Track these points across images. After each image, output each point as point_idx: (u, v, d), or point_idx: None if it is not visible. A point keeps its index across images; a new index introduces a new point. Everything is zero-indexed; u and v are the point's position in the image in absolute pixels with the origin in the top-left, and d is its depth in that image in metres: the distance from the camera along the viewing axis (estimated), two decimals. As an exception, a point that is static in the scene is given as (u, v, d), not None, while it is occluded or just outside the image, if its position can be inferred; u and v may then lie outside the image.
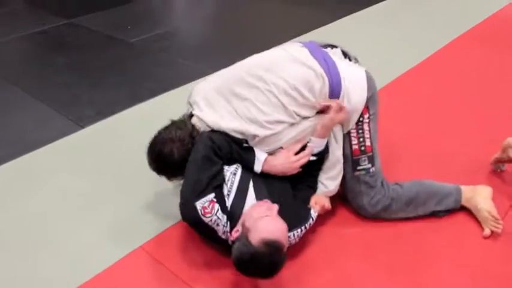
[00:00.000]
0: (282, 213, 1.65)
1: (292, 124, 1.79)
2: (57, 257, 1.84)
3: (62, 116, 2.84)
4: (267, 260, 1.52)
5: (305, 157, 1.80)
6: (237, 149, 1.76)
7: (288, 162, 1.78)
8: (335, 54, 1.94)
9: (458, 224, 1.96)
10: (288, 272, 1.68)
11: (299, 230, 1.75)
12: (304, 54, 1.85)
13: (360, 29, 4.06)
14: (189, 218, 1.67)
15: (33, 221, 2.02)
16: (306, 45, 1.91)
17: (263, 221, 1.58)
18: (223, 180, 1.70)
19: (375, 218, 1.94)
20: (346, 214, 2.02)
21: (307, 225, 1.79)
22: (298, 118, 1.79)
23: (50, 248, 1.89)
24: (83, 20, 4.47)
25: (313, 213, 1.82)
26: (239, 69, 1.86)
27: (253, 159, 1.77)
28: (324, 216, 1.94)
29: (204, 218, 1.61)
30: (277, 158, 1.79)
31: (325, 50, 1.93)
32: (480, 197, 1.94)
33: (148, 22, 4.54)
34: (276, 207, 1.66)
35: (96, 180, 2.25)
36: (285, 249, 1.59)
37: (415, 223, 1.95)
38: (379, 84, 2.02)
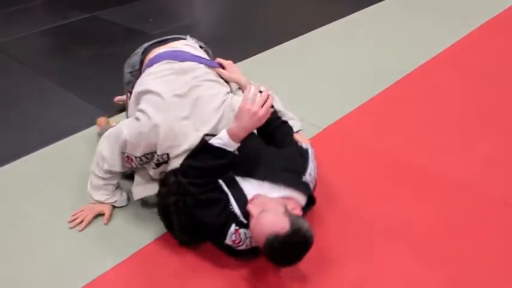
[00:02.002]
0: (284, 164, 1.72)
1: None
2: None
3: (91, 105, 2.92)
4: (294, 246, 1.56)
5: (265, 96, 1.75)
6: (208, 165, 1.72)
7: (253, 113, 1.71)
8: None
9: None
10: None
11: (311, 165, 1.78)
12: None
13: (371, 23, 4.10)
14: (232, 255, 1.73)
15: (67, 204, 2.09)
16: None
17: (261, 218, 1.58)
18: (225, 204, 1.68)
19: None
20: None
21: (312, 155, 1.81)
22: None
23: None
24: (103, 13, 4.56)
25: (306, 145, 1.85)
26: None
27: (220, 144, 1.71)
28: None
29: (240, 249, 1.67)
30: (240, 119, 1.73)
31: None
32: None
33: (168, 16, 4.61)
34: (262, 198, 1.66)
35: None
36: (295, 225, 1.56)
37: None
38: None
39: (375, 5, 4.45)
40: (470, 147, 2.40)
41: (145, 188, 1.96)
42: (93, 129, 2.63)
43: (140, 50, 2.25)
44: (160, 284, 1.72)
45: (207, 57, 2.19)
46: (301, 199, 1.74)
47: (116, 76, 3.27)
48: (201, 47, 2.28)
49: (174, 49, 2.12)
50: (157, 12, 4.65)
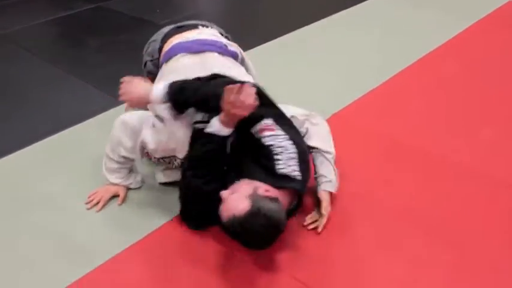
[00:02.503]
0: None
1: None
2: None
3: (101, 93, 2.97)
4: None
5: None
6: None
7: (239, 101, 1.65)
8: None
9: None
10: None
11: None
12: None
13: (374, 14, 4.13)
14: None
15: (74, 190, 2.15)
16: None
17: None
18: None
19: None
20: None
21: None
22: None
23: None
24: (109, 4, 4.58)
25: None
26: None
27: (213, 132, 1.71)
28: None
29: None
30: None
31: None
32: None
33: (174, 5, 4.65)
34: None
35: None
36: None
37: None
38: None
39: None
40: (473, 133, 2.46)
41: (171, 173, 2.02)
42: (104, 116, 2.69)
43: (159, 37, 2.26)
44: (172, 265, 1.77)
45: (225, 44, 2.16)
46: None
47: (125, 64, 3.32)
48: (221, 34, 2.31)
49: (188, 39, 2.14)
50: (163, 3, 4.68)
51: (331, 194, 1.91)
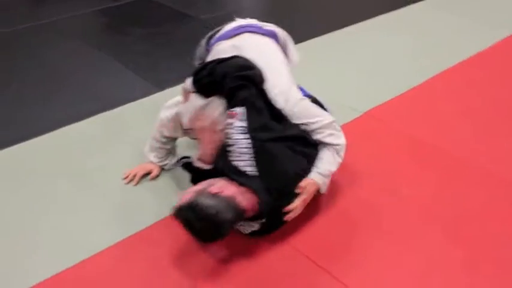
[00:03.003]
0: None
1: None
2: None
3: (143, 79, 3.12)
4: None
5: None
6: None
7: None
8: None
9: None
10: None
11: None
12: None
13: (415, 18, 4.17)
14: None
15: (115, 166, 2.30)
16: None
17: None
18: None
19: None
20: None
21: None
22: None
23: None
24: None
25: None
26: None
27: None
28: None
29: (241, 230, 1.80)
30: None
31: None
32: None
33: (216, 1, 4.79)
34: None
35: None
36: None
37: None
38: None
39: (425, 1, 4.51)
40: (498, 140, 2.49)
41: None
42: (144, 101, 2.84)
43: (203, 41, 2.26)
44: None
45: (260, 26, 2.13)
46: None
47: (167, 54, 3.50)
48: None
49: (224, 30, 2.16)
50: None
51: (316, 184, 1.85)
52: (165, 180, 2.21)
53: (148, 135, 2.20)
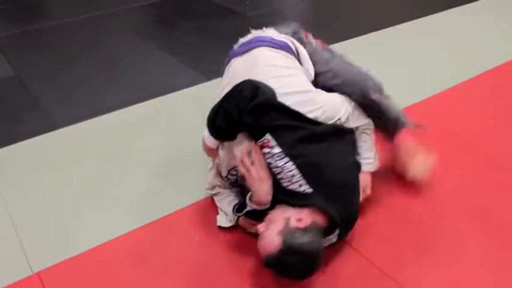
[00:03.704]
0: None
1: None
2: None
3: (191, 69, 3.33)
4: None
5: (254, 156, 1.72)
6: None
7: (252, 180, 1.71)
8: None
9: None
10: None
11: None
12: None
13: (459, 23, 4.21)
14: None
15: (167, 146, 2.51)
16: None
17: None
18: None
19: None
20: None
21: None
22: None
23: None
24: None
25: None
26: None
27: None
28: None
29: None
30: (251, 189, 1.76)
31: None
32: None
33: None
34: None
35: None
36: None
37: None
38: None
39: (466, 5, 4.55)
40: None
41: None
42: (191, 90, 3.04)
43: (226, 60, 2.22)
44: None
45: (271, 37, 2.07)
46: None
47: (215, 47, 3.69)
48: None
49: (238, 44, 2.16)
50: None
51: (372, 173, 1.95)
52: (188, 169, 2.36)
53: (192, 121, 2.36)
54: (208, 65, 3.35)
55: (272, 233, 1.57)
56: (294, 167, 1.67)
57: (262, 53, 1.98)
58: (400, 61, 3.46)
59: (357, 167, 1.89)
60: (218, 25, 4.17)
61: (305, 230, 1.57)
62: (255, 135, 1.72)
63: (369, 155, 1.94)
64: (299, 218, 1.60)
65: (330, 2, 4.91)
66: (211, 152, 1.90)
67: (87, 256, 1.84)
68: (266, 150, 1.69)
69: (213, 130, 1.80)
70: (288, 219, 1.59)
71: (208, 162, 2.09)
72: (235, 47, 2.13)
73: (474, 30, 3.99)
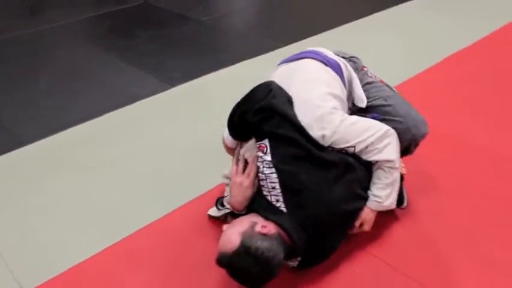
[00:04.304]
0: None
1: None
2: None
3: (153, 77, 3.35)
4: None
5: (250, 166, 1.74)
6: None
7: (239, 184, 1.73)
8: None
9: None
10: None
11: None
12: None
13: (409, 16, 4.43)
14: None
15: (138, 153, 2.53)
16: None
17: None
18: None
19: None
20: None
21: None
22: None
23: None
24: (153, 1, 4.97)
25: None
26: None
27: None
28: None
29: None
30: (231, 193, 1.78)
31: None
32: None
33: (215, 4, 5.04)
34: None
35: (194, 126, 2.75)
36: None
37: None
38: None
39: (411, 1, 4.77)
40: (498, 123, 2.71)
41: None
42: (157, 97, 3.06)
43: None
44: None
45: (325, 54, 1.97)
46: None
47: (173, 54, 3.73)
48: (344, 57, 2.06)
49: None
50: (204, 1, 5.04)
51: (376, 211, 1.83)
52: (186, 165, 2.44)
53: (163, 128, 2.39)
54: (170, 72, 3.40)
55: (233, 232, 1.57)
56: (277, 180, 1.63)
57: (307, 66, 1.90)
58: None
59: (361, 201, 1.78)
60: (174, 32, 4.20)
61: (267, 236, 1.55)
62: (256, 137, 1.72)
63: (379, 193, 1.77)
64: (265, 225, 1.59)
65: (281, 4, 5.04)
66: (230, 151, 1.93)
67: (80, 269, 1.84)
68: (260, 153, 1.67)
69: (230, 129, 1.83)
70: (254, 223, 1.59)
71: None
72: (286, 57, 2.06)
73: (421, 25, 4.20)
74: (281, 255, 1.56)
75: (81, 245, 1.95)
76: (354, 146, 1.69)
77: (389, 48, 3.76)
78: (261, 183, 1.68)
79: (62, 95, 3.15)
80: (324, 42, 3.84)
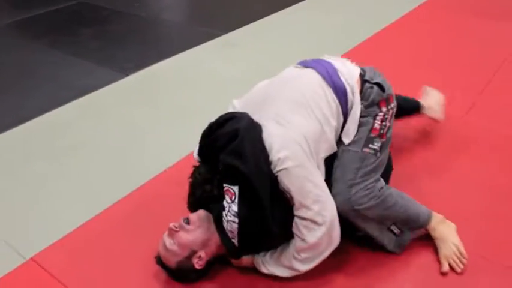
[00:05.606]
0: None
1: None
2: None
3: (106, 68, 3.45)
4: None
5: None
6: None
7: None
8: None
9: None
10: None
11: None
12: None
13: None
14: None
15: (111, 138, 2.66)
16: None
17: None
18: None
19: (340, 213, 1.66)
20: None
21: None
22: None
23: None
24: (89, 0, 5.00)
25: None
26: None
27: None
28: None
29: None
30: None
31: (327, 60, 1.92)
32: (449, 228, 1.83)
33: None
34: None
35: (154, 110, 2.90)
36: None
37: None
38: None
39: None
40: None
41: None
42: (115, 85, 3.18)
43: None
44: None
45: (335, 69, 1.86)
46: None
47: (120, 47, 3.84)
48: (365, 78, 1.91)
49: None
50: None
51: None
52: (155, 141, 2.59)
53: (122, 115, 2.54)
54: (122, 63, 3.50)
55: (170, 256, 1.65)
56: (237, 229, 1.60)
57: (305, 80, 1.82)
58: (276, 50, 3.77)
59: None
60: (116, 28, 4.30)
61: (198, 269, 1.68)
62: (224, 177, 1.64)
63: (272, 262, 1.73)
64: (203, 256, 1.66)
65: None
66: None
67: (76, 234, 1.97)
68: (226, 198, 1.60)
69: (199, 151, 1.84)
70: (193, 253, 1.66)
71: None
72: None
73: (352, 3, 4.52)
74: (191, 277, 1.72)
75: (70, 217, 2.06)
76: (292, 197, 1.61)
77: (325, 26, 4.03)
78: (224, 219, 1.63)
79: (14, 93, 3.18)
80: (261, 29, 4.15)
